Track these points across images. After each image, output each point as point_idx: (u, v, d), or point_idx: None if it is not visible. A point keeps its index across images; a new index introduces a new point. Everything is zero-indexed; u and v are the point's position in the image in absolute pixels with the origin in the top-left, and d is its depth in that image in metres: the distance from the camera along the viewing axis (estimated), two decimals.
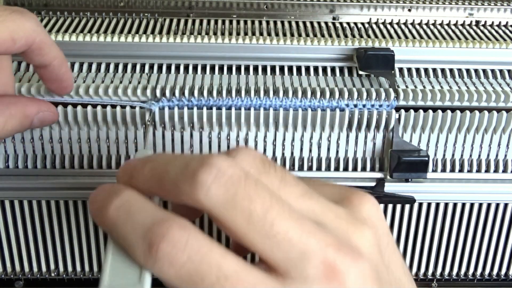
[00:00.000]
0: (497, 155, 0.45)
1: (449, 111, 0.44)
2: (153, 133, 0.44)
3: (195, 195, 0.25)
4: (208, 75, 0.45)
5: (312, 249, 0.24)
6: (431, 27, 0.54)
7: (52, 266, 0.49)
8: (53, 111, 0.38)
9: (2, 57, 0.36)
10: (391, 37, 0.51)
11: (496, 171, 0.46)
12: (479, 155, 0.45)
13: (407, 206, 0.47)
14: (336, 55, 0.46)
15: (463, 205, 0.47)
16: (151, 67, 0.46)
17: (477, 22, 0.55)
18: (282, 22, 0.54)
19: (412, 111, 0.44)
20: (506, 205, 0.47)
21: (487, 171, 0.46)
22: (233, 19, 0.53)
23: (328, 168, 0.45)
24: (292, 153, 0.45)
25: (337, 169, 0.45)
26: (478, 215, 0.48)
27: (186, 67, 0.46)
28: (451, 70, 0.47)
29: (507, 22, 0.55)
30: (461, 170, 0.46)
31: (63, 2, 0.56)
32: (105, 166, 0.44)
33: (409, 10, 0.55)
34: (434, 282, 0.51)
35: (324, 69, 0.47)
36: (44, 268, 0.49)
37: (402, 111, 0.44)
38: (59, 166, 0.44)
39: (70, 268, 0.49)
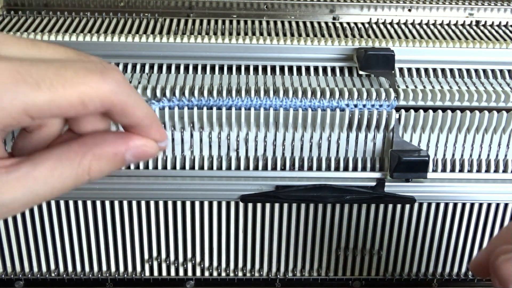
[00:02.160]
0: (497, 155, 0.45)
1: (449, 111, 0.44)
2: None
3: None
4: (208, 75, 0.46)
5: None
6: (431, 27, 0.54)
7: (52, 266, 0.49)
8: (149, 144, 0.32)
9: (48, 128, 0.31)
10: (391, 37, 0.51)
11: (496, 171, 0.46)
12: (479, 155, 0.45)
13: (407, 206, 0.47)
14: (336, 55, 0.46)
15: (463, 205, 0.47)
16: (151, 67, 0.46)
17: (477, 22, 0.55)
18: (282, 22, 0.54)
19: (412, 111, 0.44)
20: (506, 205, 0.47)
21: (487, 171, 0.45)
22: (233, 19, 0.53)
23: (328, 168, 0.45)
24: (292, 153, 0.45)
25: (337, 169, 0.45)
26: (478, 215, 0.48)
27: (186, 67, 0.46)
28: (451, 70, 0.47)
29: (507, 22, 0.55)
30: (461, 170, 0.46)
31: (63, 2, 0.56)
32: None
33: (409, 10, 0.55)
34: (434, 282, 0.51)
35: (324, 69, 0.47)
36: (44, 268, 0.49)
37: (402, 111, 0.44)
38: None
39: (70, 268, 0.49)
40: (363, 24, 0.54)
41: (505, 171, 0.46)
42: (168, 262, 0.49)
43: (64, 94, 0.27)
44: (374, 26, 0.54)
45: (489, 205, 0.47)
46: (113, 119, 0.31)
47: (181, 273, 0.50)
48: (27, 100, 0.26)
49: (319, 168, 0.45)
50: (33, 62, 0.28)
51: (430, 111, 0.43)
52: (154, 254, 0.48)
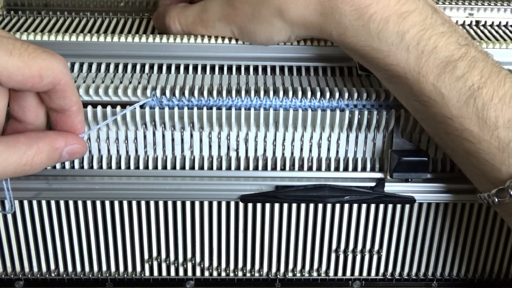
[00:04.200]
0: None
1: None
2: (153, 133, 0.44)
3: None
4: (208, 75, 0.45)
5: None
6: None
7: (52, 266, 0.49)
8: (81, 144, 0.38)
9: (29, 94, 0.37)
10: None
11: None
12: None
13: (407, 206, 0.47)
14: (336, 55, 0.46)
15: (463, 205, 0.47)
16: (151, 67, 0.46)
17: (477, 22, 0.55)
18: None
19: None
20: None
21: None
22: None
23: (328, 168, 0.45)
24: (292, 153, 0.45)
25: (337, 169, 0.45)
26: (478, 215, 0.48)
27: (186, 67, 0.46)
28: None
29: (507, 22, 0.55)
30: (460, 170, 0.46)
31: (63, 2, 0.56)
32: (105, 166, 0.44)
33: None
34: (434, 282, 0.51)
35: (324, 69, 0.47)
36: (44, 268, 0.49)
37: (402, 111, 0.44)
38: (60, 166, 0.44)
39: (70, 268, 0.49)
40: None
41: None
42: (168, 262, 0.49)
43: (29, 64, 0.32)
44: None
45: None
46: (51, 99, 0.36)
47: (181, 273, 0.50)
48: (1, 63, 0.31)
49: (319, 168, 0.45)
50: (2, 33, 0.33)
51: None
52: (154, 254, 0.48)
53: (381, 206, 0.47)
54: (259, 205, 0.47)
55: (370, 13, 0.37)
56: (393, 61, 0.38)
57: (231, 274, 0.50)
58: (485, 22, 0.55)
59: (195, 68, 0.46)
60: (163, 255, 0.49)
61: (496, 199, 0.39)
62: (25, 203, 0.46)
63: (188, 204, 0.46)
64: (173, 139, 0.44)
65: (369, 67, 0.41)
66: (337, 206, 0.47)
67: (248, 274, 0.50)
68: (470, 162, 0.40)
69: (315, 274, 0.50)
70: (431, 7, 0.39)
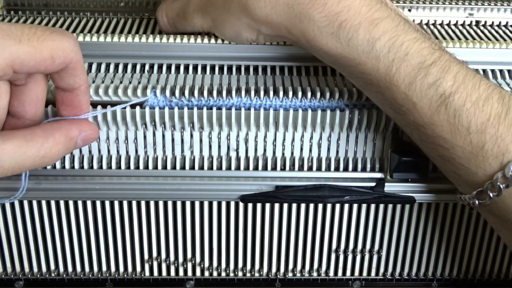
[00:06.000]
0: None
1: None
2: (153, 133, 0.44)
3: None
4: (208, 75, 0.46)
5: None
6: (431, 27, 0.54)
7: (52, 266, 0.49)
8: (93, 129, 0.39)
9: (30, 88, 0.37)
10: None
11: None
12: None
13: (407, 206, 0.47)
14: None
15: (463, 205, 0.47)
16: (151, 67, 0.46)
17: (477, 22, 0.55)
18: None
19: None
20: None
21: None
22: None
23: (328, 168, 0.45)
24: (292, 153, 0.45)
25: (337, 169, 0.45)
26: (478, 215, 0.48)
27: (186, 67, 0.46)
28: None
29: (507, 22, 0.55)
30: None
31: (63, 2, 0.56)
32: (105, 166, 0.44)
33: (409, 10, 0.55)
34: (434, 282, 0.51)
35: (324, 69, 0.47)
36: (44, 268, 0.49)
37: None
38: (60, 167, 0.44)
39: (70, 268, 0.49)
40: None
41: None
42: (168, 262, 0.49)
43: (40, 48, 0.32)
44: None
45: None
46: (62, 78, 0.36)
47: (181, 273, 0.50)
48: (12, 52, 0.31)
49: (319, 168, 0.45)
50: (8, 22, 0.34)
51: None
52: (154, 254, 0.48)
53: (381, 206, 0.47)
54: (259, 205, 0.47)
55: (340, 20, 0.37)
56: (364, 69, 0.38)
57: (231, 274, 0.50)
58: (485, 22, 0.55)
59: (195, 68, 0.46)
60: (163, 255, 0.49)
61: (477, 201, 0.39)
62: (25, 203, 0.46)
63: (188, 204, 0.46)
64: (173, 139, 0.44)
65: (343, 73, 0.41)
66: (337, 206, 0.47)
67: (248, 274, 0.50)
68: (447, 167, 0.39)
69: (315, 274, 0.50)
70: (402, 17, 0.38)
